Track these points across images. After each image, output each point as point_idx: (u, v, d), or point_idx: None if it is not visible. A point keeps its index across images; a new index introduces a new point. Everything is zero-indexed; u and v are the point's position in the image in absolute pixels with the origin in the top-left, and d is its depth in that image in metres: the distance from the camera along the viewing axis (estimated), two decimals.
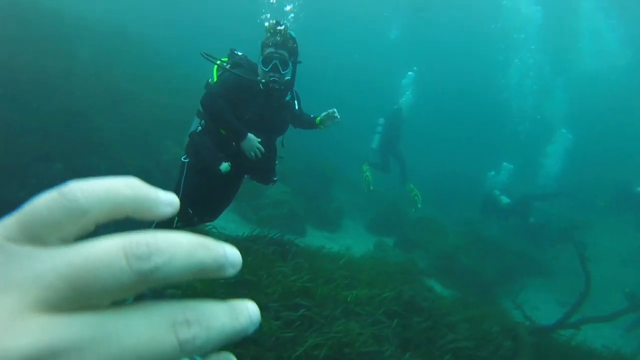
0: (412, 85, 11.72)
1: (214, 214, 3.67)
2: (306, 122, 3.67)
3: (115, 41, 13.00)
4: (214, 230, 5.46)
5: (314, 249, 6.26)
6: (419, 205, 9.85)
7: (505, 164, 11.85)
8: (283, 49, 3.22)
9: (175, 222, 3.12)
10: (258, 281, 4.08)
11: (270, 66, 3.18)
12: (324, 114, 3.58)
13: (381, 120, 10.19)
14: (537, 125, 15.49)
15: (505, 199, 10.55)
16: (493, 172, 11.80)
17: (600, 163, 14.46)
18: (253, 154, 3.11)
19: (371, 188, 10.05)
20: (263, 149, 3.15)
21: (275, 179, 3.54)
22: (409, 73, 11.75)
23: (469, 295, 7.62)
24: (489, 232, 10.85)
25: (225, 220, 7.49)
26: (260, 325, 3.70)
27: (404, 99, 11.07)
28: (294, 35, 3.30)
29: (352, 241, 9.27)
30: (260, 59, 3.24)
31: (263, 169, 3.44)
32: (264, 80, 3.18)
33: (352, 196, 13.46)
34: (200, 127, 3.33)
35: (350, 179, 14.38)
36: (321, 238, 8.72)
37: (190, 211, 3.22)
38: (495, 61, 17.41)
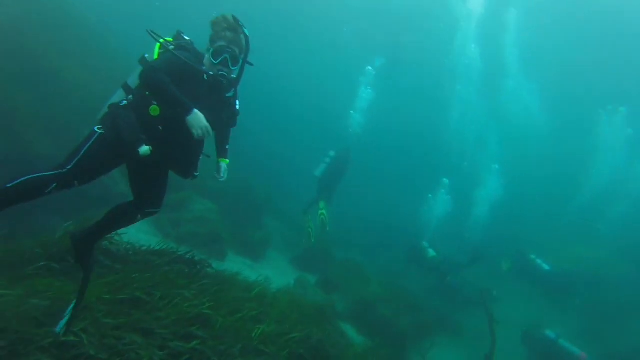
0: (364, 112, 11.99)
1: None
2: (223, 140, 3.47)
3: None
4: (116, 237, 4.78)
5: (229, 275, 5.74)
6: (312, 240, 9.71)
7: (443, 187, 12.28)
8: (235, 45, 3.08)
9: (52, 187, 2.68)
10: (150, 301, 3.53)
11: (221, 59, 3.04)
12: (222, 166, 3.45)
13: (331, 153, 10.09)
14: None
15: (432, 252, 10.75)
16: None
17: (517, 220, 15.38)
18: (200, 131, 2.82)
19: (327, 229, 9.73)
20: (212, 131, 2.90)
21: (196, 174, 3.19)
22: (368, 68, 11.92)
23: (381, 346, 7.44)
24: (410, 284, 10.97)
25: (137, 230, 6.77)
26: (137, 353, 3.14)
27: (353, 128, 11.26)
28: (247, 34, 3.12)
29: (273, 273, 8.80)
30: (211, 51, 3.08)
31: (187, 160, 3.10)
32: (211, 72, 3.02)
33: (283, 227, 13.09)
34: (125, 102, 2.98)
35: (285, 209, 14.08)
36: (241, 265, 8.18)
37: (76, 182, 2.78)
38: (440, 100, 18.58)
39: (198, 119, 2.82)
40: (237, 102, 3.35)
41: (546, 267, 10.72)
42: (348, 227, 14.58)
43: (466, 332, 9.86)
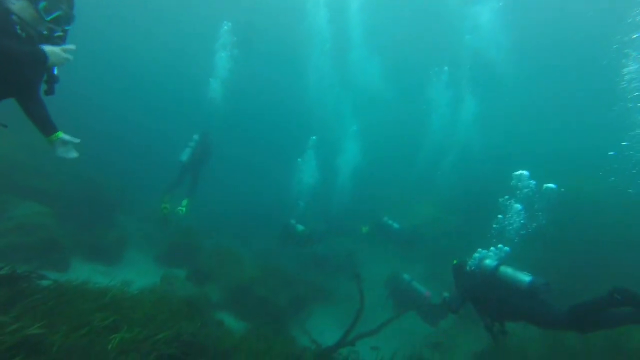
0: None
1: None
2: (41, 118, 3.01)
3: None
4: None
5: (73, 285, 4.81)
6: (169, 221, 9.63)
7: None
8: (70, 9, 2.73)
9: None
10: None
11: (54, 16, 2.60)
12: (64, 138, 3.06)
13: (195, 137, 9.71)
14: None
15: (300, 227, 11.24)
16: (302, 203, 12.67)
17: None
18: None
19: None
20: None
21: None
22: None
23: (261, 326, 7.37)
24: (285, 262, 11.19)
25: None
26: None
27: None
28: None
29: (136, 275, 7.84)
30: (42, 4, 2.58)
31: None
32: (41, 30, 2.58)
33: (143, 224, 11.77)
34: None
35: (145, 203, 12.66)
36: (92, 273, 7.01)
37: None
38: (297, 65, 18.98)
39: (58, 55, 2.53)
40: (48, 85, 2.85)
41: (396, 225, 12.26)
42: (216, 213, 14.03)
43: (339, 297, 10.57)
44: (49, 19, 2.58)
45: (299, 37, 17.90)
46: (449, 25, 17.33)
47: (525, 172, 7.59)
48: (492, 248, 4.89)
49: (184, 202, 9.38)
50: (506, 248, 4.89)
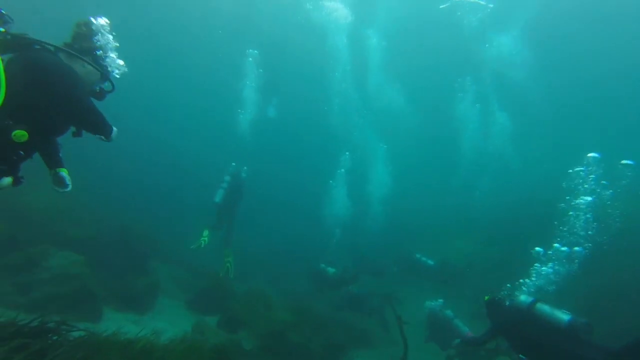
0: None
1: None
2: (52, 153, 3.30)
3: None
4: None
5: (102, 337, 4.65)
6: (231, 276, 9.77)
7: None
8: None
9: None
10: None
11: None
12: (63, 175, 3.31)
13: (227, 177, 10.04)
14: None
15: (331, 270, 11.01)
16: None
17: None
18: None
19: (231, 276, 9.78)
20: None
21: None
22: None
23: None
24: (317, 304, 10.75)
25: None
26: None
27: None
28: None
29: (167, 324, 7.64)
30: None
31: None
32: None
33: (174, 269, 11.71)
34: None
35: (176, 249, 12.67)
36: (123, 322, 6.86)
37: None
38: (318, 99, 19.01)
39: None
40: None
41: (430, 262, 11.66)
42: (247, 254, 13.85)
43: (379, 341, 9.91)
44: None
45: (320, 59, 18.15)
46: (469, 48, 17.26)
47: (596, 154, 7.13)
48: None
49: (205, 233, 9.56)
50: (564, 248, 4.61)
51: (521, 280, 4.72)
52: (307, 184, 18.84)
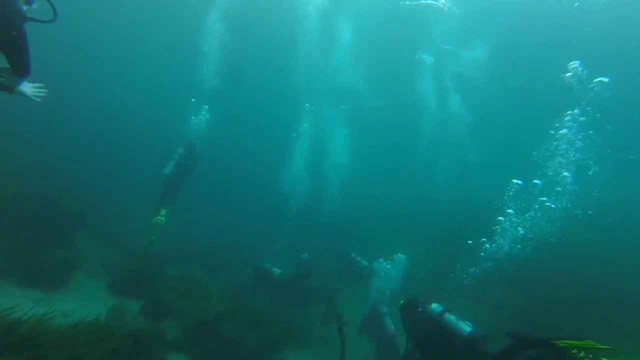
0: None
1: None
2: None
3: None
4: None
5: None
6: (152, 246, 9.35)
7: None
8: None
9: None
10: None
11: None
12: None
13: (180, 149, 9.62)
14: None
15: (277, 271, 10.60)
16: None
17: None
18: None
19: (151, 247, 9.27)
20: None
21: None
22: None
23: None
24: (256, 299, 10.21)
25: None
26: None
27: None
28: None
29: (79, 305, 6.71)
30: None
31: None
32: None
33: (102, 247, 10.59)
34: None
35: (105, 225, 11.52)
36: (23, 299, 5.89)
37: None
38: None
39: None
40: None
41: (364, 263, 11.67)
42: (186, 242, 12.96)
43: (314, 340, 9.51)
44: None
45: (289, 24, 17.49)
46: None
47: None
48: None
49: (163, 212, 9.07)
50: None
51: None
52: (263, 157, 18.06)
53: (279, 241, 13.23)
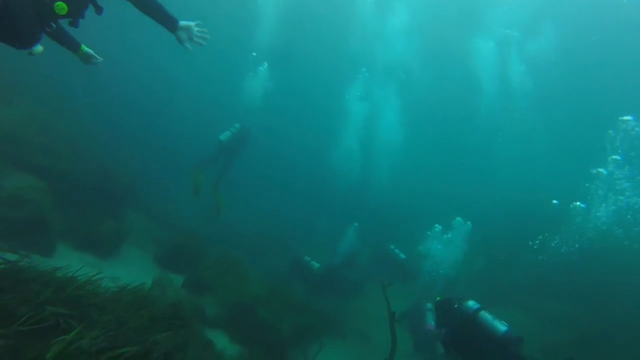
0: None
1: None
2: (67, 39, 3.19)
3: None
4: None
5: (37, 270, 3.94)
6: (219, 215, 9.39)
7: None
8: None
9: None
10: None
11: None
12: (89, 51, 3.32)
13: (237, 125, 9.69)
14: None
15: (315, 264, 10.47)
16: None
17: None
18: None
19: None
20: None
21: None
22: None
23: (258, 355, 6.27)
24: (295, 287, 10.16)
25: None
26: None
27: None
28: None
29: (127, 273, 6.93)
30: None
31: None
32: None
33: (149, 222, 10.98)
34: None
35: (154, 201, 11.94)
36: (77, 262, 6.14)
37: None
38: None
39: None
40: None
41: (402, 256, 11.17)
42: (231, 225, 13.16)
43: (351, 333, 9.30)
44: None
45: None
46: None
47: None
48: None
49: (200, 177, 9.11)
50: None
51: None
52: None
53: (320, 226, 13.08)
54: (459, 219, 10.48)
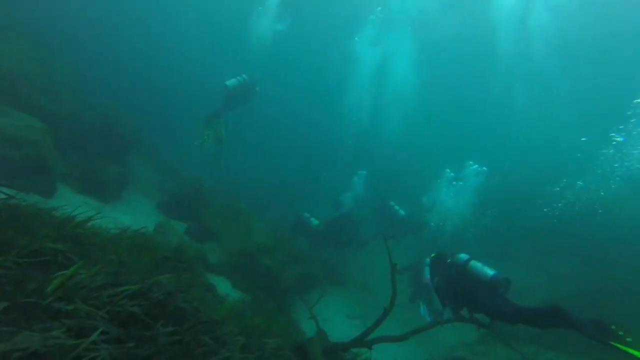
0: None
1: None
2: None
3: None
4: None
5: (33, 209, 3.85)
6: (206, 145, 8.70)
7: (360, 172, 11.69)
8: None
9: None
10: None
11: None
12: None
13: (244, 75, 9.36)
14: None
15: (315, 221, 10.46)
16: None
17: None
18: None
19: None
20: None
21: None
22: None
23: (262, 301, 6.38)
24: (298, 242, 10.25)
25: None
26: None
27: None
28: None
29: (129, 217, 6.94)
30: None
31: None
32: None
33: (155, 171, 10.94)
34: None
35: (161, 152, 11.83)
36: (79, 204, 6.11)
37: None
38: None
39: None
40: None
41: (402, 212, 11.08)
42: (238, 180, 13.11)
43: (352, 283, 9.49)
44: None
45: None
46: None
47: None
48: None
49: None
50: None
51: None
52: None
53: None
54: (471, 162, 10.17)
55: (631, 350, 3.02)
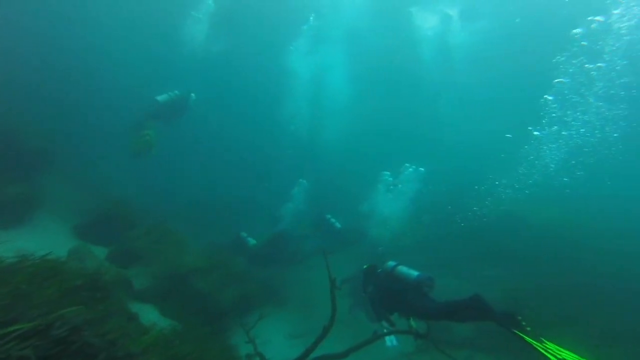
0: None
1: None
2: None
3: None
4: None
5: None
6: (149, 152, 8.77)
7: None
8: None
9: None
10: None
11: None
12: None
13: (177, 91, 9.40)
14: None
15: (252, 241, 10.29)
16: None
17: None
18: None
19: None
20: None
21: None
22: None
23: (194, 327, 5.87)
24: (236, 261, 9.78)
25: None
26: None
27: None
28: None
29: (38, 245, 6.03)
30: None
31: None
32: None
33: (72, 191, 9.82)
34: None
35: (74, 165, 10.64)
36: None
37: None
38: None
39: None
40: None
41: (338, 225, 11.16)
42: (170, 194, 12.28)
43: (292, 301, 9.19)
44: None
45: None
46: None
47: None
48: None
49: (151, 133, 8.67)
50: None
51: None
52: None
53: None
54: (407, 165, 10.49)
55: (527, 338, 3.34)
